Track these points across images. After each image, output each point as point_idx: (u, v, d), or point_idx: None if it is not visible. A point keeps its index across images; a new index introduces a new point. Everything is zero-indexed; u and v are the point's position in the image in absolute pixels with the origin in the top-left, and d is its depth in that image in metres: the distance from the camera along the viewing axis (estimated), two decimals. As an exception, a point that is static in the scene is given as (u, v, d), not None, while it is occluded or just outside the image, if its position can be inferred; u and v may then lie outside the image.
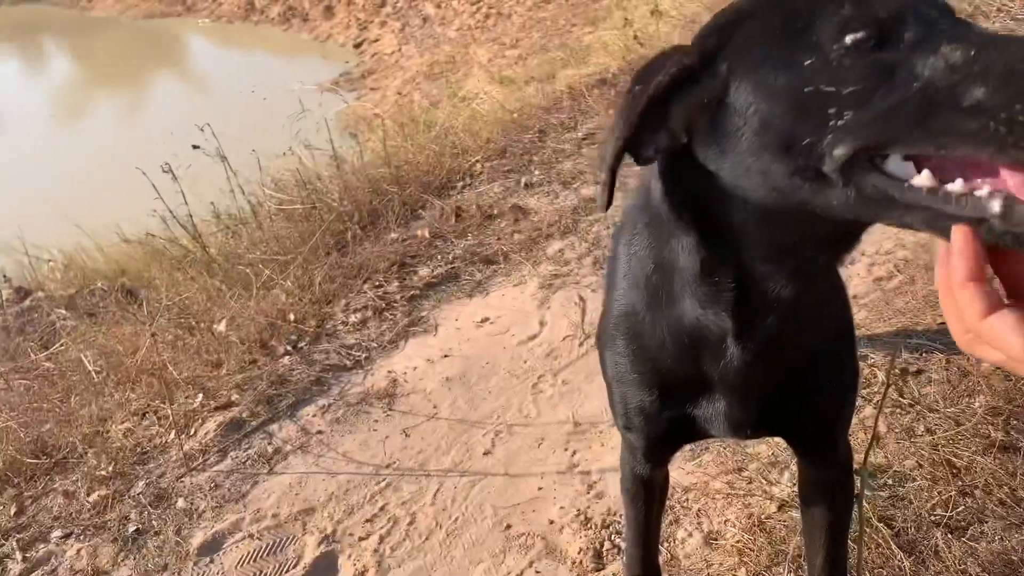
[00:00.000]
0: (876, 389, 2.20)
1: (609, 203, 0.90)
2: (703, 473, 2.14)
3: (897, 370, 2.16)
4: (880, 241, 2.93)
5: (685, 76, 0.84)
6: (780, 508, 1.96)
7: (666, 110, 0.86)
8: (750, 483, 2.06)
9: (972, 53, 0.69)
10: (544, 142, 4.15)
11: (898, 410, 2.14)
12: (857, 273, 2.82)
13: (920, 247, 2.85)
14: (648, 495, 1.50)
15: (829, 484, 1.40)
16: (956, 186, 0.70)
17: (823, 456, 1.36)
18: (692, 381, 1.13)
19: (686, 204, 0.93)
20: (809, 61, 0.76)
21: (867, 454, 1.62)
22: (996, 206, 0.67)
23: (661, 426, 1.22)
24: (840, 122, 0.74)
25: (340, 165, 3.99)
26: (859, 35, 0.74)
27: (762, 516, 1.95)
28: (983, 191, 0.68)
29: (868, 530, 1.79)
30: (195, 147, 3.74)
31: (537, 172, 3.88)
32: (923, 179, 0.71)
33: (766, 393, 1.13)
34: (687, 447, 2.22)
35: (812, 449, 1.36)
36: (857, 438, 2.08)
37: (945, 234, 0.70)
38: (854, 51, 0.74)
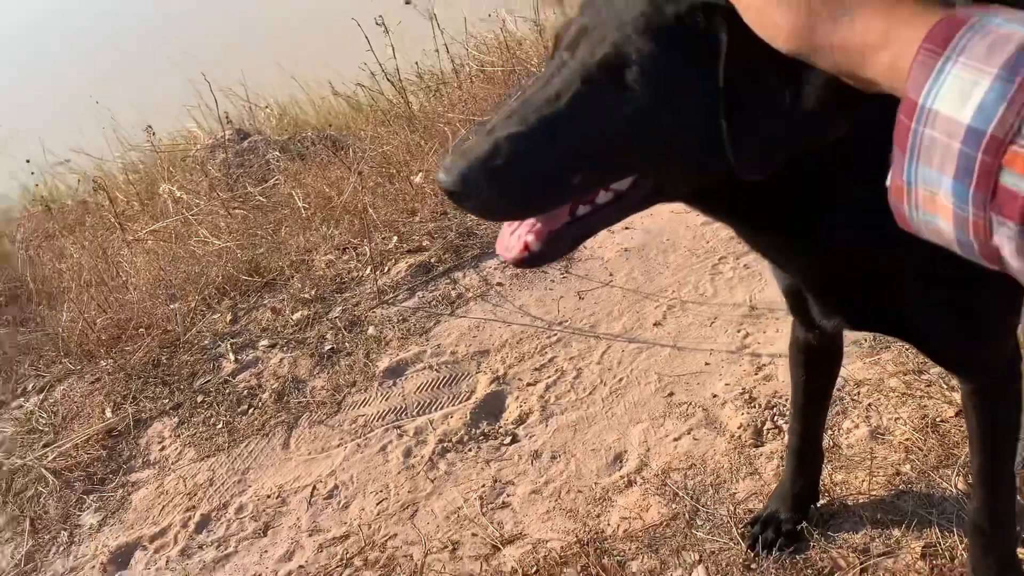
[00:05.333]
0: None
1: None
2: (880, 369, 2.08)
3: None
4: None
5: None
6: (958, 414, 1.89)
7: None
8: (929, 386, 1.99)
9: None
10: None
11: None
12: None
13: None
14: (807, 360, 1.52)
15: (973, 394, 1.29)
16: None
17: (956, 364, 1.28)
18: None
19: None
20: None
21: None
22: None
23: (787, 293, 1.29)
24: None
25: (542, 31, 3.98)
26: None
27: (937, 419, 1.89)
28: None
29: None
30: (407, 2, 3.84)
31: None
32: None
33: (852, 295, 1.12)
34: (863, 340, 2.16)
35: (938, 357, 1.29)
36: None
37: None
38: None
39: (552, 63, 0.82)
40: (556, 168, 0.78)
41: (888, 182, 0.58)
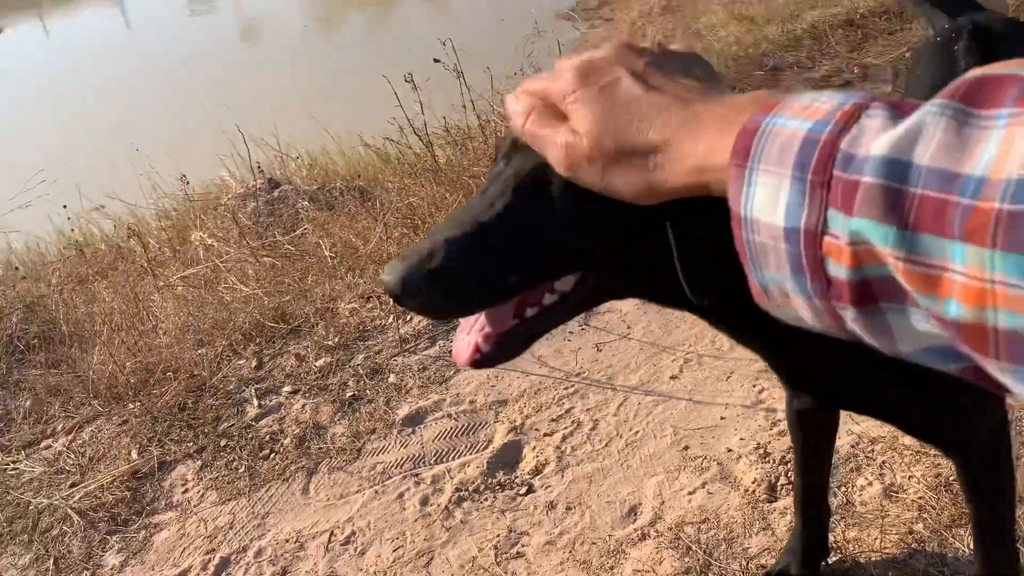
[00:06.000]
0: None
1: None
2: (894, 428, 2.09)
3: None
4: None
5: None
6: (973, 473, 1.89)
7: None
8: (944, 445, 2.00)
9: None
10: (778, 79, 4.02)
11: None
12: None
13: None
14: (802, 422, 1.55)
15: (961, 466, 1.32)
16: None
17: (937, 443, 1.30)
18: None
19: None
20: None
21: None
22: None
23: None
24: None
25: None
26: None
27: (950, 478, 1.90)
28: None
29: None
30: (436, 60, 3.97)
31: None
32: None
33: (816, 375, 1.13)
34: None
35: (917, 436, 1.32)
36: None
37: None
38: None
39: (493, 171, 0.87)
40: (491, 269, 0.81)
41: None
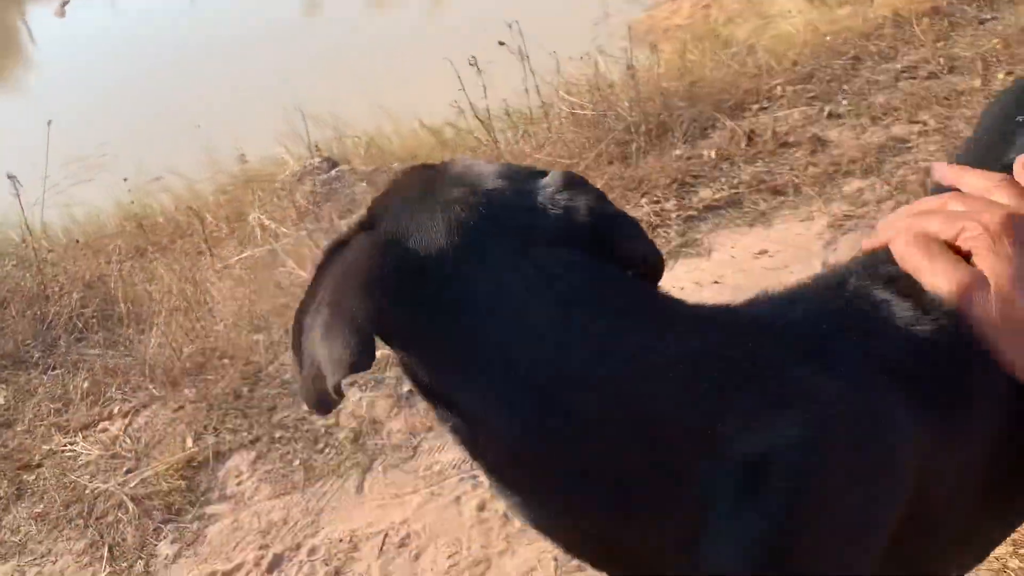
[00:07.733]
0: None
1: None
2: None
3: None
4: None
5: None
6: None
7: None
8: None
9: None
10: (857, 70, 3.82)
11: None
12: None
13: None
14: None
15: None
16: None
17: None
18: None
19: None
20: None
21: None
22: None
23: None
24: None
25: (634, 74, 3.94)
26: None
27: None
28: None
29: None
30: (501, 43, 3.86)
31: (844, 102, 3.59)
32: None
33: None
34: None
35: None
36: None
37: None
38: None
39: None
40: None
41: None
